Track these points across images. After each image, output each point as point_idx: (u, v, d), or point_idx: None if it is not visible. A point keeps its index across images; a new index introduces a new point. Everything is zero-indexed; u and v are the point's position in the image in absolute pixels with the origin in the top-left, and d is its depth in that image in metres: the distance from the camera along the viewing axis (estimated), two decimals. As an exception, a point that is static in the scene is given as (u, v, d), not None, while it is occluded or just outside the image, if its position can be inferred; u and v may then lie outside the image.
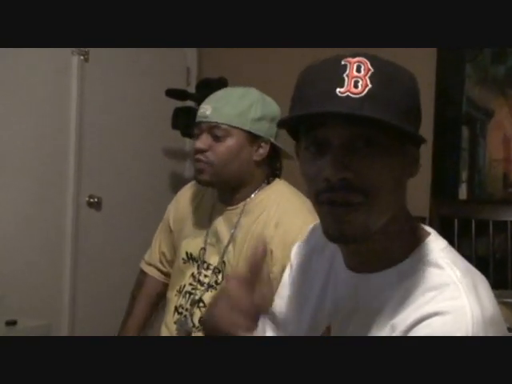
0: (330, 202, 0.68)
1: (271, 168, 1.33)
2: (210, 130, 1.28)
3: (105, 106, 2.09)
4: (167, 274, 1.45)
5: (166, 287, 1.43)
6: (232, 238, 1.29)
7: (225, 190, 1.32)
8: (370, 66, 0.68)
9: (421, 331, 0.67)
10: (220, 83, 2.10)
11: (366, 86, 0.67)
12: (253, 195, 1.30)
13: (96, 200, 2.07)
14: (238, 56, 2.42)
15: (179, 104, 2.22)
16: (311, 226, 0.86)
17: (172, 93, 2.14)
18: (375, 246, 0.72)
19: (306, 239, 0.85)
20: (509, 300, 1.44)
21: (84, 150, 2.03)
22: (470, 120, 2.21)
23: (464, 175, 2.20)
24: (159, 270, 1.48)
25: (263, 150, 1.29)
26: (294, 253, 0.87)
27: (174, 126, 2.16)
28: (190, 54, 2.50)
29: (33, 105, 1.88)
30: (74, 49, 1.97)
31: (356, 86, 0.67)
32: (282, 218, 1.25)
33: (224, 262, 1.29)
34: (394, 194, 0.70)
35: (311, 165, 0.70)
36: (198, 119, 1.31)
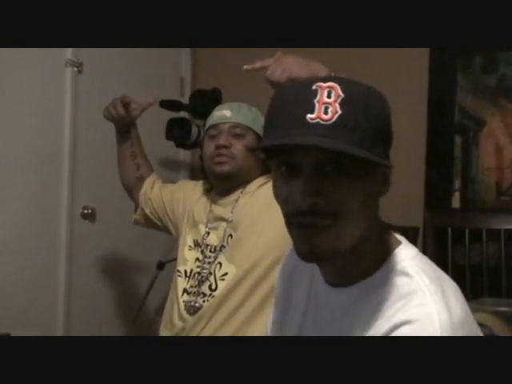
0: (299, 225, 0.72)
1: (268, 166, 1.49)
2: (231, 129, 1.51)
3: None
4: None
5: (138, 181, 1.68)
6: (233, 212, 1.47)
7: (231, 182, 1.50)
8: (340, 92, 0.70)
9: None
10: (214, 94, 2.13)
11: (336, 112, 0.69)
12: (251, 183, 1.51)
13: (90, 211, 2.06)
14: (231, 67, 2.33)
15: (173, 115, 2.22)
16: None
17: (166, 104, 2.15)
18: (347, 263, 0.75)
19: (291, 253, 0.86)
20: (502, 309, 1.45)
21: (78, 161, 2.04)
22: (462, 129, 2.23)
23: (457, 184, 2.22)
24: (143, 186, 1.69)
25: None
26: (282, 265, 0.91)
27: (168, 136, 2.17)
28: (184, 65, 2.51)
29: (26, 116, 1.86)
30: (67, 60, 1.97)
31: (326, 113, 0.69)
32: None
33: (231, 235, 1.47)
34: (362, 214, 0.73)
35: (282, 186, 0.73)
36: (215, 121, 1.52)
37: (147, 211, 1.69)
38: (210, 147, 1.52)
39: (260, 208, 1.47)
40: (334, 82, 0.71)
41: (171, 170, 2.48)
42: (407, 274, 0.73)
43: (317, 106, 0.69)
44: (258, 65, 1.24)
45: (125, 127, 1.69)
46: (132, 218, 1.76)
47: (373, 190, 0.74)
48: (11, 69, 1.81)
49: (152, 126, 1.84)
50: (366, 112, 0.70)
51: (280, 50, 1.27)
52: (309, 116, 0.69)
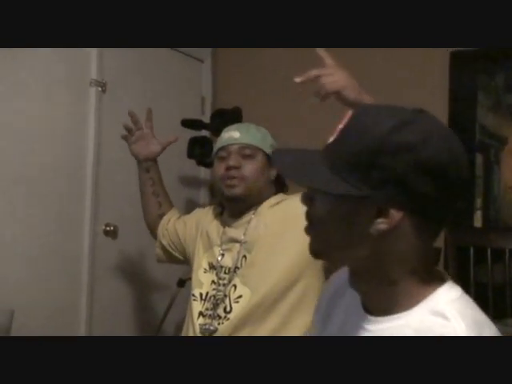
0: None
1: (279, 186, 1.55)
2: (240, 150, 1.50)
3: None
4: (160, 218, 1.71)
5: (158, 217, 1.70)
6: (246, 234, 1.47)
7: (243, 205, 1.50)
8: (346, 119, 0.75)
9: None
10: (234, 113, 2.15)
11: (333, 137, 0.76)
12: (262, 204, 1.51)
13: (112, 228, 2.09)
14: (251, 86, 2.48)
15: (194, 133, 2.25)
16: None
17: (187, 123, 2.18)
18: (383, 293, 0.76)
19: (340, 273, 0.90)
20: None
21: (101, 179, 2.06)
22: (483, 147, 2.22)
23: (478, 202, 2.20)
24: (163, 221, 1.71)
25: (274, 172, 1.52)
26: (328, 283, 0.94)
27: (190, 155, 2.19)
28: (205, 84, 2.55)
29: (50, 135, 1.89)
30: (92, 80, 2.00)
31: (332, 136, 0.76)
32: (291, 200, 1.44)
33: (245, 256, 1.46)
34: (338, 235, 0.77)
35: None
36: (224, 143, 1.52)
37: (164, 242, 1.70)
38: (220, 169, 1.51)
39: (274, 230, 1.46)
40: (358, 108, 0.76)
41: (192, 187, 2.50)
42: (444, 316, 0.73)
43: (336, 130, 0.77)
44: (313, 74, 1.23)
45: (146, 163, 1.71)
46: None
47: (358, 220, 0.74)
48: (37, 88, 1.85)
49: (174, 145, 1.78)
50: (352, 139, 0.73)
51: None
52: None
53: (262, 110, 2.36)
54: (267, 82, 2.43)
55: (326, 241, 0.77)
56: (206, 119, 2.39)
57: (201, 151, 2.15)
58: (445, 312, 0.73)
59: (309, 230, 0.80)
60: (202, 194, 2.54)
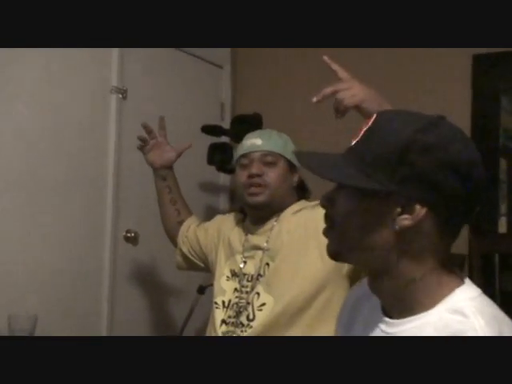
0: None
1: (301, 193, 1.55)
2: (262, 157, 1.49)
3: None
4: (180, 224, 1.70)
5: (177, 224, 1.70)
6: (268, 241, 1.46)
7: (265, 212, 1.49)
8: (370, 122, 0.78)
9: None
10: (255, 119, 2.14)
11: (356, 139, 0.79)
12: (284, 211, 1.50)
13: (133, 235, 2.09)
14: (272, 91, 2.46)
15: (214, 139, 2.24)
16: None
17: (207, 129, 2.17)
18: (401, 295, 0.78)
19: (360, 285, 0.93)
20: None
21: (121, 185, 2.06)
22: (507, 152, 2.18)
23: (503, 208, 2.16)
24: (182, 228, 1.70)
25: (296, 178, 1.53)
26: (349, 295, 0.97)
27: (210, 161, 2.18)
28: (224, 90, 2.54)
29: (71, 141, 1.90)
30: (112, 87, 2.01)
31: (355, 138, 0.79)
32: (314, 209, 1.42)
33: (268, 264, 1.45)
34: (357, 232, 0.79)
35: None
36: (246, 150, 1.51)
37: (184, 250, 1.69)
38: (242, 177, 1.51)
39: (297, 237, 1.45)
40: (380, 112, 0.79)
41: (211, 194, 2.49)
42: (463, 314, 0.73)
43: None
44: (329, 90, 1.22)
45: (162, 171, 1.71)
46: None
47: (382, 216, 0.76)
48: (58, 96, 1.86)
49: (194, 151, 1.83)
50: (374, 141, 0.75)
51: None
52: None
53: (282, 115, 2.35)
54: (287, 87, 2.42)
55: (346, 241, 0.79)
56: (226, 125, 2.38)
57: (221, 157, 2.14)
58: (463, 309, 0.74)
59: (327, 231, 0.81)
60: (222, 201, 2.53)
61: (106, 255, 2.02)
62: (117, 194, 2.05)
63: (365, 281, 0.88)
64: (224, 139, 2.31)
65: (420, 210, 0.74)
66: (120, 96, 2.04)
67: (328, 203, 0.80)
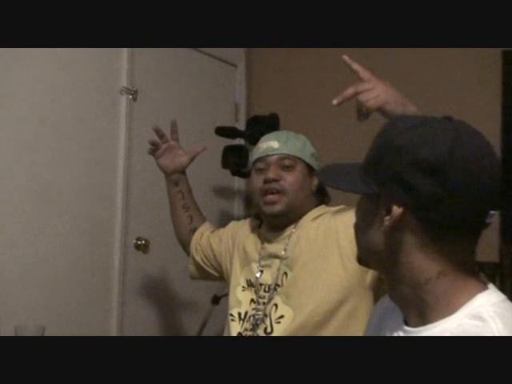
0: None
1: (321, 198, 1.52)
2: (279, 161, 1.46)
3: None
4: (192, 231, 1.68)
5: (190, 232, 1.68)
6: (286, 249, 1.43)
7: (283, 220, 1.46)
8: (382, 129, 0.81)
9: None
10: (271, 120, 2.12)
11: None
12: (303, 218, 1.47)
13: (143, 242, 2.07)
14: (288, 91, 2.43)
15: (228, 142, 2.22)
16: None
17: (222, 131, 2.14)
18: (420, 303, 0.79)
19: (378, 306, 0.96)
20: None
21: (132, 191, 2.04)
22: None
23: (536, 213, 2.12)
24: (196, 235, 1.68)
25: (315, 182, 1.49)
26: (376, 307, 0.98)
27: (224, 164, 2.16)
28: (239, 90, 2.52)
29: (80, 145, 1.88)
30: (122, 88, 1.99)
31: None
32: (337, 213, 1.41)
33: (286, 273, 1.42)
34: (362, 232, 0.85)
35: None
36: (262, 154, 1.47)
37: (198, 258, 1.66)
38: (258, 182, 1.47)
39: (316, 245, 1.41)
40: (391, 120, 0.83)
41: (226, 198, 2.46)
42: (481, 318, 0.73)
43: None
44: (350, 92, 1.19)
45: (174, 176, 1.68)
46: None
47: (373, 218, 0.80)
48: (65, 97, 1.85)
49: (207, 154, 1.80)
50: (374, 145, 0.80)
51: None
52: None
53: (299, 115, 2.33)
54: (304, 86, 2.39)
55: (362, 246, 0.85)
56: (240, 126, 2.37)
57: (236, 160, 2.13)
58: (482, 314, 0.74)
59: (355, 237, 0.87)
60: (237, 206, 2.51)
61: (115, 264, 1.99)
62: (127, 200, 2.02)
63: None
64: (239, 141, 2.31)
65: (396, 211, 0.77)
66: (130, 97, 2.02)
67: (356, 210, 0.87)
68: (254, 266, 1.49)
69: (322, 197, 1.53)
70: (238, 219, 2.11)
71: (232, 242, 1.60)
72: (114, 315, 1.99)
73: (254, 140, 2.10)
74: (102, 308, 1.96)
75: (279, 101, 2.41)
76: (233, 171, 2.24)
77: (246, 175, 2.21)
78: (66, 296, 1.85)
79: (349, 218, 1.15)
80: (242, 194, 2.52)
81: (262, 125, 2.10)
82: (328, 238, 1.41)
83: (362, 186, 0.80)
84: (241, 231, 1.60)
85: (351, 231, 0.87)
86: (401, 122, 0.80)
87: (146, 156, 1.94)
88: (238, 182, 2.49)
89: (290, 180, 1.44)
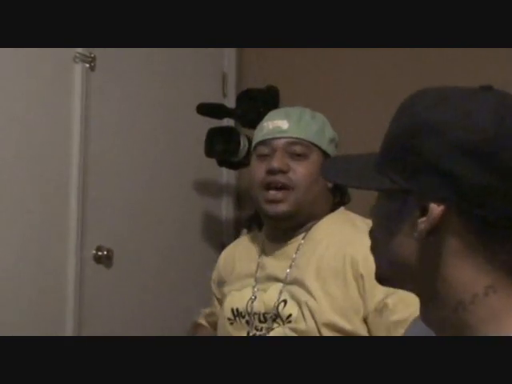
0: None
1: (339, 195, 1.45)
2: (288, 146, 1.37)
3: (116, 128, 2.03)
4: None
5: None
6: (292, 267, 1.37)
7: (289, 223, 1.39)
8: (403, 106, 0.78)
9: None
10: (269, 94, 2.09)
11: None
12: (316, 224, 1.39)
13: (105, 253, 1.98)
14: (290, 58, 2.33)
15: (214, 123, 2.14)
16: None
17: (205, 109, 2.06)
18: (464, 326, 0.74)
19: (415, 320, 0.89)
20: None
21: (90, 186, 1.95)
22: None
23: None
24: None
25: None
26: (407, 331, 0.95)
27: (209, 152, 2.07)
28: (227, 58, 2.43)
29: (25, 127, 1.82)
30: (77, 54, 1.90)
31: None
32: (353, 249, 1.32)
33: (285, 301, 1.35)
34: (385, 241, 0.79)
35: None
36: (267, 136, 1.40)
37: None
38: (259, 171, 1.38)
39: (333, 269, 1.31)
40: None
41: (211, 195, 2.39)
42: None
43: None
44: None
45: None
46: None
47: (401, 223, 0.75)
48: (8, 67, 1.77)
49: (188, 138, 1.80)
50: (398, 122, 0.77)
51: None
52: None
53: (304, 88, 2.24)
54: (310, 52, 2.24)
55: (384, 260, 0.78)
56: (229, 103, 2.28)
57: (224, 147, 2.04)
58: None
59: (372, 251, 0.81)
60: (225, 204, 2.43)
61: (69, 280, 1.89)
62: (83, 197, 1.93)
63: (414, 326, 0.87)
64: (227, 122, 2.24)
65: (435, 209, 0.71)
66: (87, 65, 1.95)
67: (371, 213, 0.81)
68: (247, 291, 1.43)
69: (340, 195, 1.46)
70: (227, 222, 2.14)
71: (218, 285, 1.56)
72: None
73: (246, 120, 2.07)
74: (55, 335, 1.87)
75: (278, 70, 2.33)
76: (220, 160, 2.15)
77: (236, 165, 2.14)
78: (13, 323, 1.77)
79: None
80: (231, 189, 2.43)
81: (257, 101, 2.05)
82: (348, 265, 1.32)
83: (382, 180, 0.75)
84: (225, 263, 1.55)
85: None
86: (427, 95, 0.75)
87: (107, 139, 1.94)
88: (227, 175, 2.39)
89: (300, 172, 1.37)
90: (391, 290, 1.17)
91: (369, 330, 1.26)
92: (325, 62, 2.26)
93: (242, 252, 1.51)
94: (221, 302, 1.53)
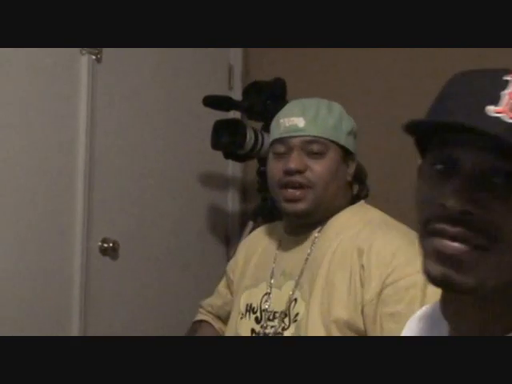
0: (441, 233, 0.69)
1: (358, 189, 1.45)
2: (305, 145, 1.36)
3: (122, 120, 2.04)
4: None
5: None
6: (307, 263, 1.36)
7: (307, 220, 1.39)
8: None
9: None
10: (276, 87, 2.07)
11: None
12: (333, 218, 1.38)
13: (111, 245, 2.00)
14: (296, 51, 2.30)
15: (220, 115, 2.15)
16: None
17: (211, 101, 2.06)
18: (486, 312, 0.72)
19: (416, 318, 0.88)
20: None
21: (96, 179, 1.97)
22: None
23: None
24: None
25: (351, 169, 1.40)
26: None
27: (215, 144, 2.07)
28: (234, 49, 2.44)
29: (31, 121, 1.83)
30: None
31: None
32: (371, 245, 1.30)
33: (295, 299, 1.35)
34: None
35: (431, 185, 0.73)
36: (284, 134, 1.39)
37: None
38: (276, 171, 1.38)
39: (340, 261, 1.31)
40: None
41: (217, 188, 2.40)
42: None
43: (504, 98, 0.69)
44: None
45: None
46: None
47: None
48: (15, 60, 1.78)
49: (194, 131, 1.83)
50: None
51: None
52: (489, 107, 0.68)
53: (311, 80, 2.25)
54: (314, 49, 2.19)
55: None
56: (236, 96, 2.28)
57: (230, 139, 2.04)
58: None
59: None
60: (231, 198, 2.43)
61: (75, 272, 1.92)
62: (89, 190, 1.96)
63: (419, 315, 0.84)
64: (234, 114, 2.24)
65: None
66: (93, 57, 1.96)
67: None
68: (263, 286, 1.43)
69: (358, 186, 1.46)
70: (233, 215, 2.14)
71: (232, 277, 1.56)
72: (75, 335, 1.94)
73: (252, 113, 2.09)
74: (61, 328, 1.91)
75: (285, 62, 2.32)
76: (226, 153, 2.15)
77: (242, 158, 2.14)
78: (18, 315, 1.80)
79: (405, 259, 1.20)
80: (237, 181, 2.45)
81: (264, 93, 2.05)
82: (354, 265, 1.32)
83: None
84: (246, 252, 1.54)
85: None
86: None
87: (114, 131, 1.96)
88: (233, 167, 2.39)
89: (318, 170, 1.36)
90: (388, 281, 1.18)
91: (363, 322, 1.26)
92: (332, 54, 2.26)
93: (261, 243, 1.52)
94: (232, 289, 1.55)
